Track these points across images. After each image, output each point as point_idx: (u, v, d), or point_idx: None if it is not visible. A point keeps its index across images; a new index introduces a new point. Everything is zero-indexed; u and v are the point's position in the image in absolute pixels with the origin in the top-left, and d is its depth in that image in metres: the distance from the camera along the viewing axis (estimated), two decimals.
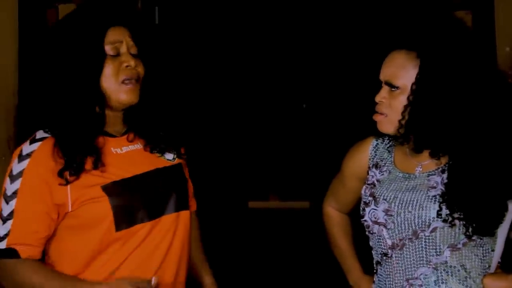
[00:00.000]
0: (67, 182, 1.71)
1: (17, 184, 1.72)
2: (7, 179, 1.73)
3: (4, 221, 1.72)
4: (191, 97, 4.48)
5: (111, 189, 1.74)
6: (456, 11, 3.14)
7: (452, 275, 1.75)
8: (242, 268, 4.82)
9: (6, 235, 1.71)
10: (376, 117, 1.83)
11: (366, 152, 1.96)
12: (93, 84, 1.77)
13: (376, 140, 1.95)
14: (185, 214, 1.86)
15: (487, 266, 1.79)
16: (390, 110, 1.79)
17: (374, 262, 1.90)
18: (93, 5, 1.85)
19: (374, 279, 1.91)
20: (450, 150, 1.76)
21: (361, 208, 1.90)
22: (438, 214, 1.73)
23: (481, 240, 1.76)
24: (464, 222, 1.72)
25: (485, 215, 1.71)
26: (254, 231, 6.16)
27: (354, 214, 2.12)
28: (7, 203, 1.72)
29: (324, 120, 6.06)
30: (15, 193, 1.71)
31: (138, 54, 1.84)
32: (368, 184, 1.90)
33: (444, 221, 1.73)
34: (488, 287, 1.76)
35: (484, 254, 1.78)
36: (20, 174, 1.71)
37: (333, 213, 2.12)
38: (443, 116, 1.72)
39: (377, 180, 1.88)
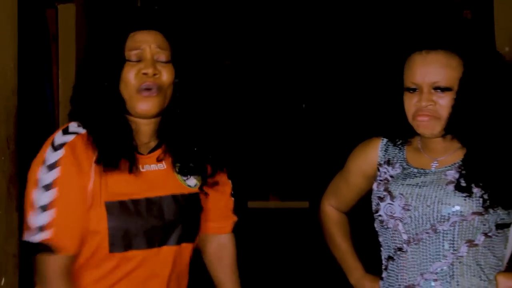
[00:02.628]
0: (105, 169, 1.65)
1: (54, 173, 1.63)
2: (41, 169, 1.64)
3: (43, 210, 1.62)
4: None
5: (114, 208, 1.66)
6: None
7: (467, 271, 1.78)
8: (242, 268, 4.81)
9: (45, 228, 1.61)
10: (423, 119, 1.79)
11: (376, 149, 1.96)
12: (111, 89, 1.69)
13: (385, 139, 1.96)
14: (186, 247, 1.77)
15: (500, 263, 1.82)
16: (441, 111, 1.78)
17: (383, 258, 1.91)
18: (119, 8, 1.81)
19: (383, 275, 1.91)
20: (471, 140, 1.80)
21: (374, 204, 1.90)
22: (457, 186, 1.76)
23: (496, 237, 1.79)
24: (482, 191, 1.75)
25: (500, 182, 1.74)
26: (254, 231, 6.16)
27: (351, 215, 2.13)
28: (45, 192, 1.62)
29: (324, 120, 6.06)
30: (53, 183, 1.63)
31: (171, 60, 1.74)
32: (381, 180, 1.91)
33: (462, 189, 1.76)
34: (502, 284, 1.78)
35: (498, 252, 1.82)
36: (57, 163, 1.63)
37: (332, 212, 2.12)
38: (484, 113, 1.75)
39: (391, 176, 1.89)
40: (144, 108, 1.69)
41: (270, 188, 7.77)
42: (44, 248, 1.61)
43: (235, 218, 1.98)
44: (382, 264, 1.92)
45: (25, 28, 2.75)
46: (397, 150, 1.93)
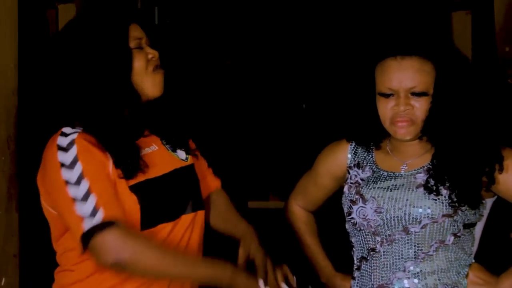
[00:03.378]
0: (125, 177, 1.73)
1: (78, 169, 1.70)
2: (63, 170, 1.71)
3: (85, 199, 1.68)
4: (190, 97, 4.48)
5: (138, 189, 1.76)
6: (456, 11, 3.15)
7: (437, 268, 1.84)
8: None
9: (96, 210, 1.67)
10: (403, 125, 1.84)
11: (345, 152, 2.00)
12: (125, 81, 1.76)
13: (353, 142, 1.99)
14: (201, 214, 1.90)
15: (469, 259, 1.91)
16: (419, 115, 1.83)
17: (356, 258, 1.95)
18: (110, 4, 1.86)
19: (355, 275, 1.96)
20: (440, 141, 1.85)
21: (347, 206, 1.94)
22: (426, 187, 1.83)
23: (465, 236, 1.87)
24: (449, 191, 1.81)
25: (468, 182, 1.81)
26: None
27: (319, 215, 2.16)
28: (78, 186, 1.69)
29: (324, 120, 6.06)
30: (81, 176, 1.70)
31: (152, 43, 1.86)
32: (352, 183, 1.95)
33: (430, 190, 1.82)
34: (472, 279, 1.87)
35: (467, 249, 1.90)
36: (76, 159, 1.70)
37: (300, 212, 2.16)
38: (458, 117, 1.81)
39: (361, 179, 1.93)
40: (159, 88, 1.82)
41: (271, 188, 7.77)
42: (105, 225, 1.66)
43: (219, 181, 2.12)
44: (353, 264, 1.97)
45: (25, 28, 2.75)
46: (366, 153, 1.97)
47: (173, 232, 1.81)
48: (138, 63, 1.79)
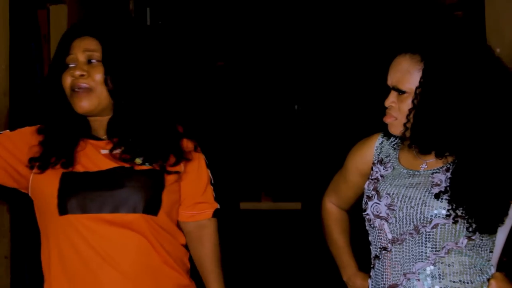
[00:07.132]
0: (32, 168, 1.89)
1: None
2: None
3: None
4: (182, 98, 4.48)
5: (66, 177, 1.86)
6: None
7: (449, 272, 1.80)
8: (234, 269, 4.82)
9: None
10: (386, 119, 1.87)
11: (372, 148, 1.99)
12: (57, 94, 1.94)
13: (382, 137, 1.99)
14: (140, 217, 1.86)
15: (487, 265, 1.85)
16: (399, 113, 1.84)
17: (372, 257, 1.94)
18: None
19: (371, 273, 1.94)
20: (455, 150, 1.81)
21: (363, 202, 1.94)
22: (441, 211, 1.78)
23: (481, 241, 1.82)
24: (465, 219, 1.77)
25: (487, 212, 1.76)
26: (245, 232, 6.16)
27: (352, 212, 2.15)
28: None
29: (316, 121, 6.07)
30: None
31: (103, 59, 1.90)
32: (372, 179, 1.94)
33: (446, 217, 1.78)
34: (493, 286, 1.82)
35: (483, 255, 1.83)
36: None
37: (333, 209, 2.14)
38: (447, 118, 1.77)
39: (381, 176, 1.92)
40: (79, 105, 1.92)
41: (263, 188, 7.77)
42: None
43: (214, 206, 2.02)
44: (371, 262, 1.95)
45: (17, 29, 2.74)
46: (391, 150, 1.96)
47: (101, 227, 1.82)
48: (63, 81, 1.93)
